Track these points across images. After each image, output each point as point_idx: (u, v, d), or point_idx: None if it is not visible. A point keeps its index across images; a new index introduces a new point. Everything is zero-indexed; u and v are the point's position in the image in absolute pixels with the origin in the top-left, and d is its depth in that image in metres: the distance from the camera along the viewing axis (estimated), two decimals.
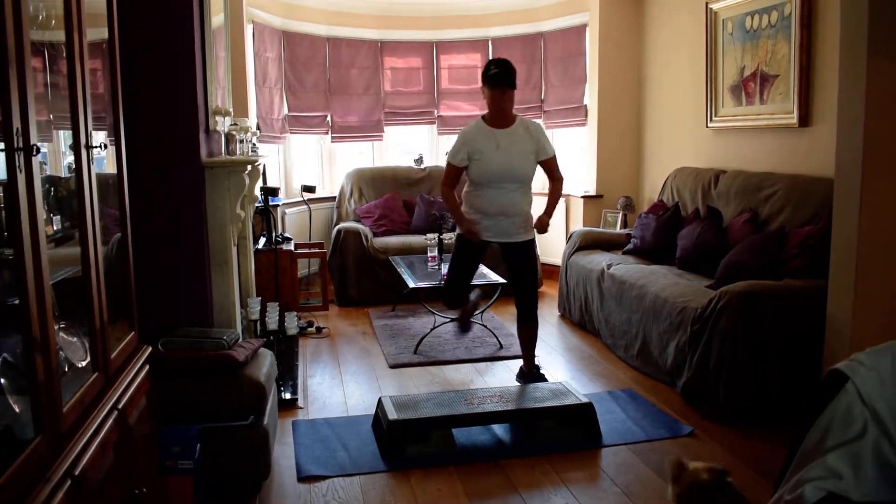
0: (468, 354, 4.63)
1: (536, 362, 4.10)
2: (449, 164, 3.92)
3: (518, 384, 3.94)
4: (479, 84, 3.92)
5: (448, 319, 5.05)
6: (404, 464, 3.10)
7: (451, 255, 4.09)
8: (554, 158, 3.96)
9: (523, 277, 3.97)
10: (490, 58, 7.13)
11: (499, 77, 3.77)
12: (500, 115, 3.85)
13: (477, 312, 5.11)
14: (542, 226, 3.89)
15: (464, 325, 4.45)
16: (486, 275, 5.13)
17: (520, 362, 4.24)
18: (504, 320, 5.42)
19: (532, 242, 3.98)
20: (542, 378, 4.01)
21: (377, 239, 6.18)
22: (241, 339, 3.15)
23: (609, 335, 4.70)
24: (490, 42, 7.18)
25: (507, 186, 3.81)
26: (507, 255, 3.99)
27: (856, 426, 1.52)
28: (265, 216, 5.20)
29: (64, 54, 1.81)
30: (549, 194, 4.02)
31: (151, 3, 3.00)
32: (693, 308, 3.70)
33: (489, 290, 5.20)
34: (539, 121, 6.92)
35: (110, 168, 2.28)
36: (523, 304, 3.99)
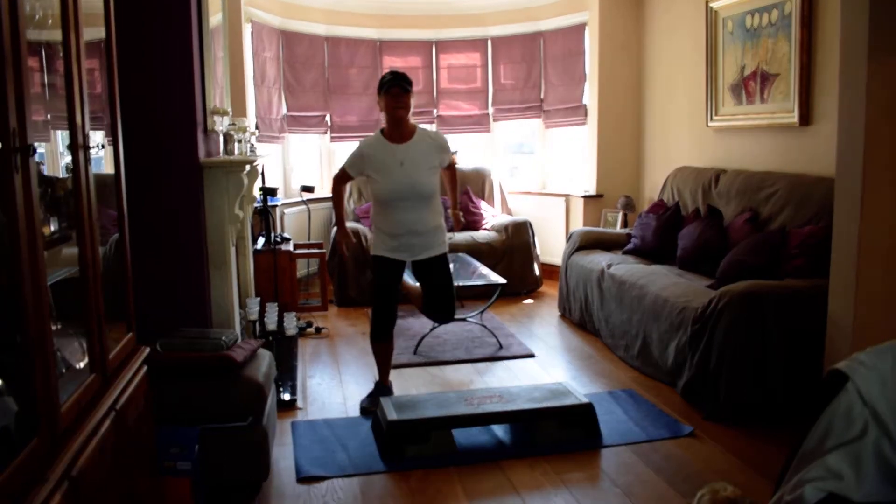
0: (468, 355, 4.62)
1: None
2: (344, 169, 3.76)
3: (518, 384, 3.93)
4: (413, 92, 3.72)
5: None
6: (404, 464, 3.10)
7: (373, 280, 3.89)
8: (453, 165, 3.85)
9: (439, 292, 3.84)
10: (489, 58, 7.16)
11: (392, 80, 3.61)
12: (397, 125, 3.66)
13: (476, 313, 5.11)
14: (457, 221, 3.84)
15: (370, 406, 3.68)
16: (486, 275, 5.13)
17: (521, 362, 4.25)
18: (504, 320, 5.42)
19: (445, 256, 3.82)
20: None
21: None
22: (239, 340, 3.14)
23: (609, 335, 4.69)
24: (489, 41, 7.17)
25: (412, 204, 3.64)
26: (418, 272, 3.84)
27: (856, 426, 1.51)
28: (264, 216, 5.19)
29: (61, 54, 1.80)
30: (448, 183, 3.95)
31: (148, 3, 3.00)
32: (693, 308, 3.69)
33: (488, 290, 5.19)
34: (536, 120, 6.92)
35: (108, 168, 2.27)
36: (438, 319, 3.98)
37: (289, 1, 6.48)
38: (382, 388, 3.87)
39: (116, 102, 2.24)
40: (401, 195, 3.63)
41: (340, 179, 3.86)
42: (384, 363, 3.90)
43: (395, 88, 3.60)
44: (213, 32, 3.66)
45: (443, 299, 3.86)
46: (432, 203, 3.73)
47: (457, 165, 3.96)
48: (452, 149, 3.85)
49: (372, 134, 3.85)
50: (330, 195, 6.85)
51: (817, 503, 1.47)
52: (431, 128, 7.38)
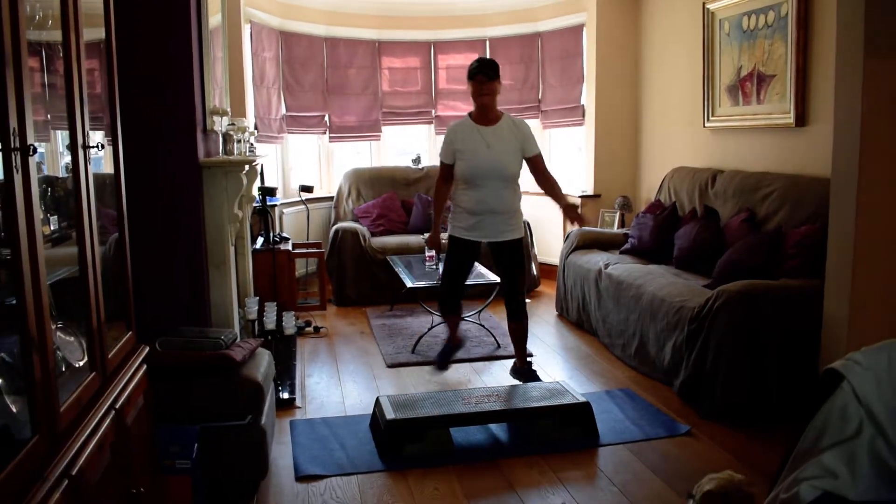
0: (465, 354, 4.62)
1: (528, 359, 4.13)
2: (441, 162, 3.97)
3: (514, 383, 3.94)
4: (499, 80, 3.93)
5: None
6: (402, 463, 3.11)
7: (445, 255, 4.09)
8: (540, 157, 3.94)
9: (512, 276, 3.98)
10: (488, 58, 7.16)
11: (478, 68, 3.81)
12: (483, 109, 3.85)
13: (474, 312, 5.12)
14: (580, 219, 4.02)
15: (443, 362, 4.23)
16: (484, 275, 5.13)
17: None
18: (501, 320, 5.42)
19: (521, 241, 3.99)
20: (535, 374, 4.04)
21: (375, 239, 6.18)
22: (238, 339, 3.15)
23: (606, 334, 4.70)
24: (488, 42, 7.18)
25: (495, 184, 3.81)
26: (496, 254, 4.00)
27: (851, 425, 1.52)
28: (263, 216, 5.20)
29: (61, 54, 1.81)
30: (551, 193, 4.01)
31: (148, 3, 3.01)
32: (690, 307, 3.71)
33: (485, 289, 5.20)
34: (534, 121, 6.93)
35: (107, 168, 2.28)
36: (512, 303, 4.01)
37: (288, 2, 6.49)
38: (453, 341, 4.23)
39: (116, 102, 2.24)
40: (484, 174, 3.80)
41: (442, 177, 4.00)
42: (452, 328, 4.22)
43: (479, 76, 3.81)
44: (213, 33, 3.67)
45: (511, 285, 3.98)
46: (513, 186, 3.89)
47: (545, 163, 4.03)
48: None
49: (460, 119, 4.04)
50: (328, 195, 6.95)
51: (813, 501, 1.49)
52: (431, 128, 7.39)
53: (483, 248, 4.08)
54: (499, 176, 3.81)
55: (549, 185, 4.02)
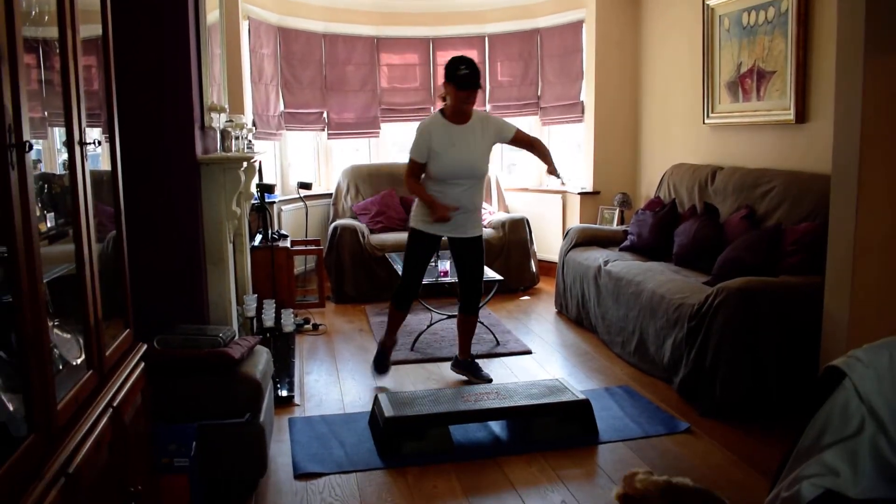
0: None
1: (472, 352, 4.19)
2: (412, 160, 3.84)
3: (514, 380, 3.93)
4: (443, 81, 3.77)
5: (445, 316, 5.05)
6: (401, 461, 3.10)
7: (405, 251, 3.98)
8: (520, 130, 3.91)
9: (472, 272, 3.96)
10: (486, 55, 7.15)
11: (469, 79, 3.64)
12: (461, 113, 3.78)
13: None
14: (555, 171, 3.90)
15: (381, 365, 4.15)
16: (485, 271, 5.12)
17: (518, 358, 4.24)
18: (501, 317, 5.42)
19: (481, 238, 3.95)
20: (478, 368, 4.07)
21: (374, 236, 6.17)
22: (237, 337, 3.15)
23: (606, 332, 4.70)
24: (487, 38, 7.16)
25: (464, 183, 3.78)
26: (456, 250, 3.95)
27: (853, 423, 1.52)
28: (261, 213, 5.19)
29: (58, 50, 1.80)
30: (539, 154, 3.99)
31: (146, 0, 2.99)
32: (690, 305, 3.70)
33: (486, 286, 5.18)
34: (533, 118, 6.92)
35: (105, 165, 2.27)
36: (469, 298, 4.00)
37: None
38: (384, 349, 4.11)
39: (113, 99, 2.23)
40: (456, 174, 3.77)
41: (412, 173, 3.88)
42: (394, 325, 4.08)
43: (472, 90, 3.66)
44: (211, 29, 3.66)
45: (474, 281, 3.96)
46: (480, 185, 3.88)
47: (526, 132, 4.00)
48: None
49: (428, 115, 3.95)
50: (326, 192, 6.94)
51: (814, 500, 1.48)
52: None
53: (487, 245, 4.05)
54: (472, 174, 3.79)
55: (541, 152, 4.00)
